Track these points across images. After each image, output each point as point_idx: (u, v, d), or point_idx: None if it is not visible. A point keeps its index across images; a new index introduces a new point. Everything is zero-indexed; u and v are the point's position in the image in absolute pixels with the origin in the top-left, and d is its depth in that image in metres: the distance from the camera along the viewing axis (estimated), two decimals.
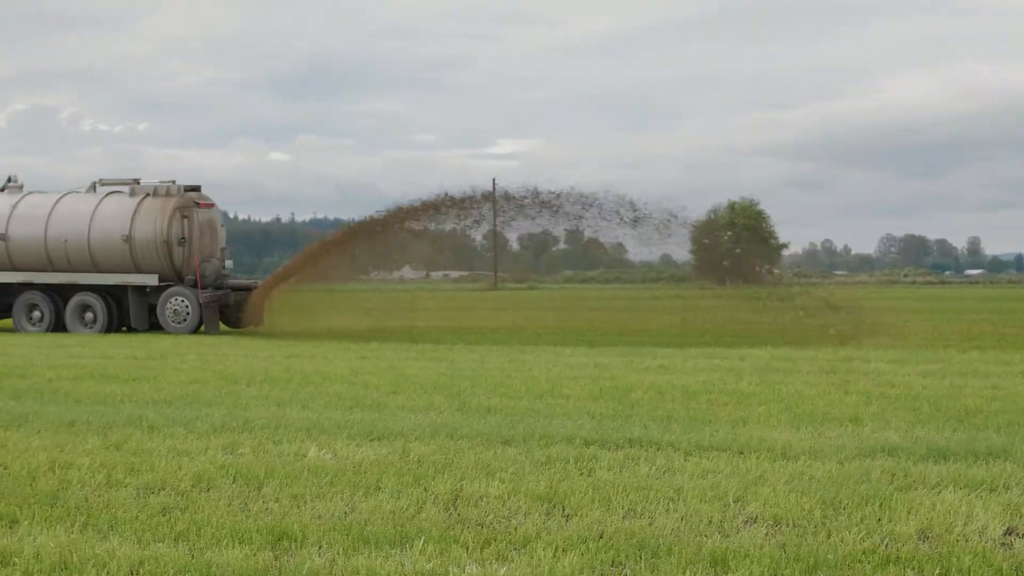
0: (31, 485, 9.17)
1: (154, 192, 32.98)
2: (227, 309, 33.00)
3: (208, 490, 9.04)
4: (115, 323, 32.75)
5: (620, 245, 38.99)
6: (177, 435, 11.69)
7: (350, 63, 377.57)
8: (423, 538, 7.47)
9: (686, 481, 9.28)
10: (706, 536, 7.61)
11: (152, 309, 32.63)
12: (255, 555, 7.14)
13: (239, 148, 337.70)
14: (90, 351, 23.68)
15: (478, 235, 40.09)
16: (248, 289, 33.62)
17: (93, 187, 34.13)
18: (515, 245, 49.13)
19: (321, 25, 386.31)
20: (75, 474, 9.56)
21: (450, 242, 38.93)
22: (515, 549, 7.33)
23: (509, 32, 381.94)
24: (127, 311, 32.77)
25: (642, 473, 9.68)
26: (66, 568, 6.90)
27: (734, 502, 8.53)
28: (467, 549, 7.31)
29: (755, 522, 8.00)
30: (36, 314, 32.99)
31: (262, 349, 24.04)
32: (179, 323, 32.03)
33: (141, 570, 6.86)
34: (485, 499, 8.67)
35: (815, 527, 7.84)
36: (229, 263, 34.28)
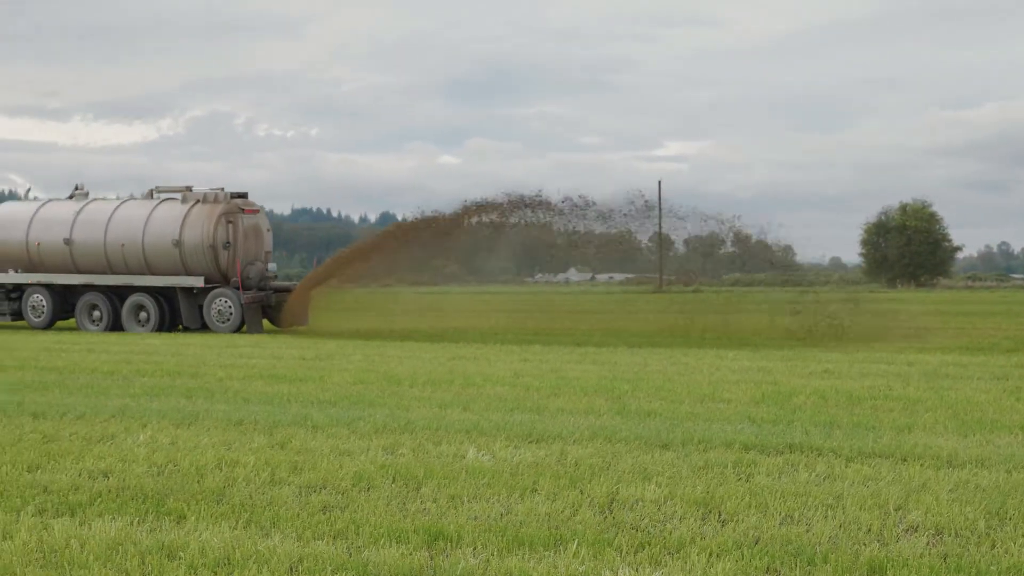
0: (199, 482, 9.43)
1: (203, 199, 34.84)
2: (270, 309, 34.69)
3: (368, 489, 9.19)
4: (167, 322, 34.55)
5: (789, 247, 38.65)
6: (340, 435, 11.90)
7: (519, 67, 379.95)
8: (577, 541, 7.48)
9: (846, 488, 9.12)
10: (864, 544, 7.48)
11: (202, 309, 34.31)
12: (411, 554, 7.24)
13: (411, 152, 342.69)
14: (260, 351, 24.24)
15: (644, 237, 40.19)
16: (289, 291, 35.20)
17: (151, 194, 36.31)
18: (681, 247, 48.72)
19: (490, 30, 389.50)
20: (241, 472, 9.80)
21: (616, 244, 39.11)
22: (669, 553, 7.31)
23: (677, 34, 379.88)
24: (178, 311, 34.57)
25: (801, 479, 9.55)
26: (229, 563, 7.08)
27: (895, 510, 8.36)
28: (621, 553, 7.31)
29: (916, 531, 7.83)
30: (96, 314, 35.04)
31: (426, 351, 24.31)
32: (223, 323, 33.77)
33: (300, 567, 7.01)
34: (641, 503, 8.65)
35: (979, 537, 7.64)
36: (272, 266, 35.89)
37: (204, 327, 34.20)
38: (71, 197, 37.40)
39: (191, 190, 35.46)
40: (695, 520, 8.13)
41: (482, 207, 35.27)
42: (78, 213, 35.75)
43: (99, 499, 8.77)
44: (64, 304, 35.94)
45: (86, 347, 25.65)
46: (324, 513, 8.35)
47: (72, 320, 35.89)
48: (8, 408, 14.00)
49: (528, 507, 8.49)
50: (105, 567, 7.01)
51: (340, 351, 24.24)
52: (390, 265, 35.76)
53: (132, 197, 37.02)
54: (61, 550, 7.30)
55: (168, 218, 34.67)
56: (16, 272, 36.14)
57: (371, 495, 8.97)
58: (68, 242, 35.38)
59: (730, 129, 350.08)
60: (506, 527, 7.88)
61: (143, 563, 7.08)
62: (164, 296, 34.69)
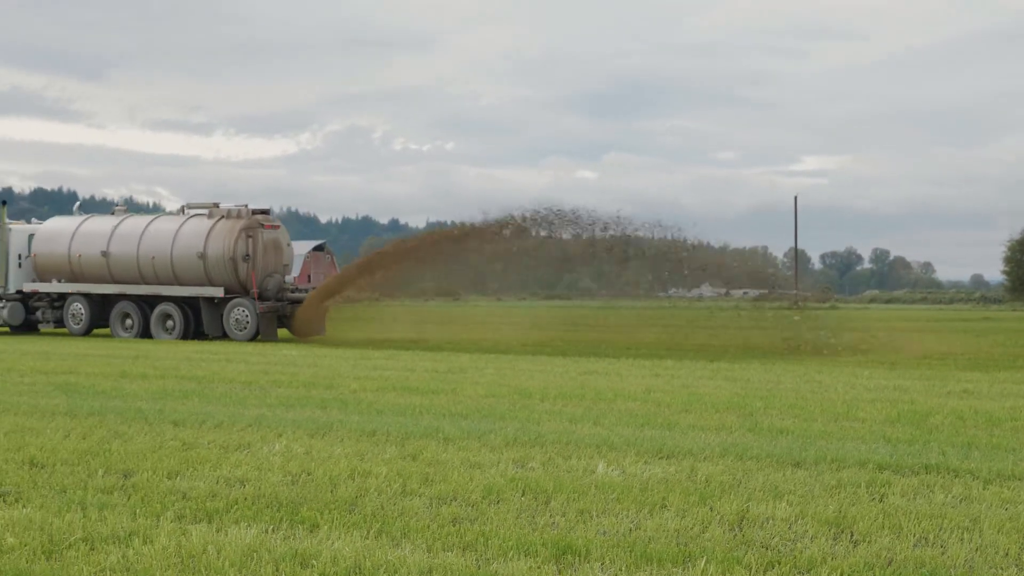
0: (332, 491, 9.58)
1: (227, 215, 37.55)
2: (286, 319, 37.30)
3: (497, 502, 9.24)
4: (191, 330, 37.21)
5: (928, 264, 38.18)
6: (471, 447, 11.99)
7: (655, 81, 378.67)
8: (706, 558, 7.45)
9: (984, 511, 8.94)
10: (1001, 569, 7.32)
11: (223, 318, 36.97)
12: (539, 568, 7.27)
13: (549, 166, 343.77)
14: (393, 363, 24.51)
15: (779, 252, 40.25)
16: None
17: (182, 210, 39.48)
18: (817, 263, 48.16)
19: (627, 44, 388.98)
20: (373, 482, 9.93)
21: (750, 260, 39.26)
22: (799, 573, 7.24)
23: (815, 47, 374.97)
24: (201, 319, 37.11)
25: (937, 501, 9.38)
26: (360, 572, 7.18)
27: None
28: (750, 571, 7.25)
29: None
30: (128, 322, 38.15)
31: (557, 365, 24.36)
32: (240, 331, 36.52)
33: None
34: (771, 521, 8.57)
35: None
36: (290, 278, 38.68)
37: (225, 335, 36.74)
38: (112, 213, 40.68)
39: (218, 206, 38.12)
40: (826, 540, 8.04)
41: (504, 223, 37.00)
42: (115, 228, 38.62)
43: (235, 506, 8.96)
44: (101, 312, 38.88)
45: (225, 358, 26.19)
46: (454, 525, 8.42)
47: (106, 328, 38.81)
48: (150, 416, 14.37)
49: (657, 523, 8.47)
50: (240, 573, 7.16)
51: (472, 364, 24.40)
52: (418, 276, 37.75)
53: (165, 214, 40.44)
54: (198, 555, 7.47)
55: (194, 232, 37.24)
56: (59, 282, 39.31)
57: (500, 508, 9.02)
58: (105, 254, 38.29)
59: (870, 144, 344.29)
60: (635, 542, 7.87)
61: (277, 570, 7.21)
62: (189, 305, 37.29)
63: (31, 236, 40.48)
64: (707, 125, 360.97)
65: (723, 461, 11.22)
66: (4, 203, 42.17)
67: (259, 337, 36.11)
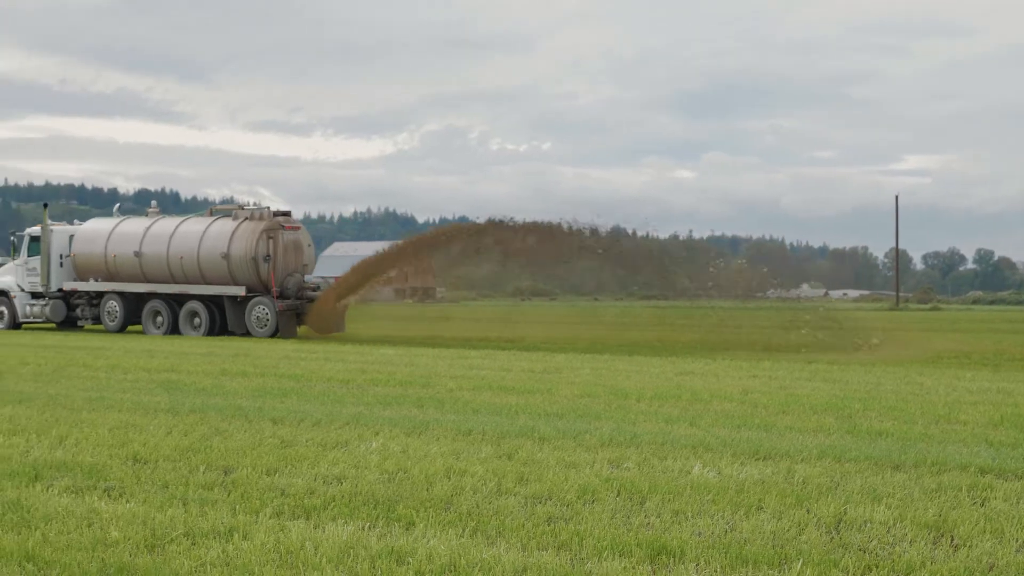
0: (428, 490, 9.65)
1: (250, 216, 39.34)
2: (303, 317, 38.77)
3: (592, 502, 9.25)
4: (216, 327, 38.93)
5: None
6: (566, 447, 12.00)
7: (754, 79, 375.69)
8: (802, 560, 7.39)
9: None
10: None
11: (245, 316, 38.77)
12: (634, 568, 7.27)
13: (646, 166, 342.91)
14: (490, 363, 24.58)
15: (880, 253, 40.51)
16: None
17: (210, 212, 41.55)
18: (919, 264, 47.91)
19: (724, 43, 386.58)
20: (468, 481, 9.99)
21: (851, 260, 39.46)
22: None
23: (918, 45, 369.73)
24: (225, 317, 38.91)
25: None
26: (454, 570, 7.23)
27: None
28: (847, 574, 7.19)
29: None
30: (159, 319, 39.93)
31: (654, 366, 24.28)
32: (261, 328, 38.26)
33: None
34: (869, 524, 8.48)
35: None
36: (309, 277, 39.94)
37: (247, 332, 38.44)
38: (146, 215, 42.84)
39: (242, 208, 40.16)
40: (925, 544, 7.93)
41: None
42: (147, 229, 40.59)
43: (333, 503, 9.06)
44: (135, 310, 40.78)
45: (323, 356, 26.46)
46: (549, 524, 8.44)
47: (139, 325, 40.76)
48: (250, 413, 14.57)
49: (753, 524, 8.42)
50: (337, 570, 7.24)
51: (568, 364, 24.40)
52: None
53: (194, 216, 42.04)
54: (296, 551, 7.57)
55: (219, 234, 39.05)
56: (96, 281, 41.39)
57: (595, 508, 9.02)
58: (138, 255, 40.23)
59: (973, 142, 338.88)
60: (730, 544, 7.83)
61: (373, 567, 7.28)
62: (214, 303, 39.10)
63: (71, 237, 42.64)
64: (807, 124, 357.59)
65: (821, 463, 11.12)
66: (46, 205, 45.42)
67: (279, 334, 37.68)
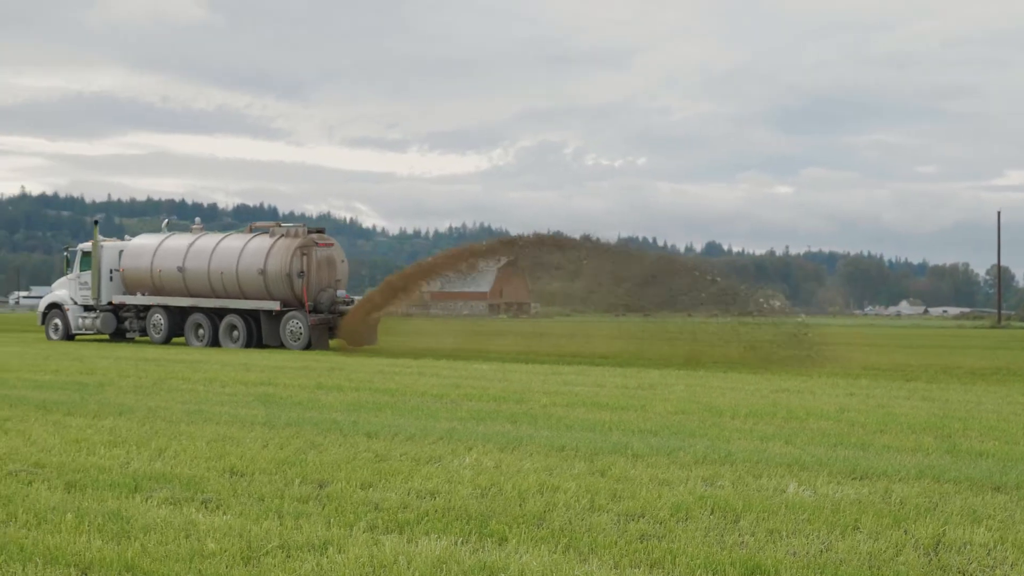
0: (520, 505, 9.65)
1: (286, 233, 40.79)
2: (335, 330, 40.15)
3: (686, 520, 9.19)
4: (254, 340, 40.35)
5: None
6: (659, 464, 11.95)
7: (853, 94, 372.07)
8: None
9: None
10: None
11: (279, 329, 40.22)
12: None
13: (743, 181, 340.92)
14: (583, 379, 24.55)
15: (981, 269, 40.24)
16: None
17: (250, 229, 42.86)
18: (1021, 281, 47.37)
19: (821, 57, 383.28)
20: (561, 497, 9.97)
21: (951, 277, 39.39)
22: None
23: (1021, 57, 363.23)
24: (261, 330, 40.33)
25: None
26: None
27: None
28: None
29: None
30: (200, 332, 41.47)
31: (748, 383, 24.09)
32: (295, 341, 39.61)
33: None
34: (969, 546, 8.33)
35: None
36: (341, 292, 40.82)
37: (282, 345, 39.87)
38: (190, 231, 44.45)
39: (280, 226, 41.57)
40: None
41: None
42: (191, 245, 42.22)
43: (426, 518, 9.10)
44: (179, 322, 42.40)
45: (417, 371, 26.60)
46: (642, 542, 8.40)
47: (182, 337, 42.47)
48: (344, 427, 14.68)
49: (849, 545, 8.32)
50: None
51: (662, 381, 24.29)
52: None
53: (234, 233, 43.44)
54: (390, 565, 7.61)
55: (257, 250, 40.56)
56: (143, 295, 43.12)
57: (688, 525, 8.97)
58: (181, 270, 41.82)
59: None
60: (825, 564, 7.74)
61: None
62: (252, 317, 40.56)
63: (121, 252, 44.44)
64: (907, 138, 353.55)
65: (919, 483, 10.95)
66: (96, 222, 47.01)
67: (311, 347, 39.08)
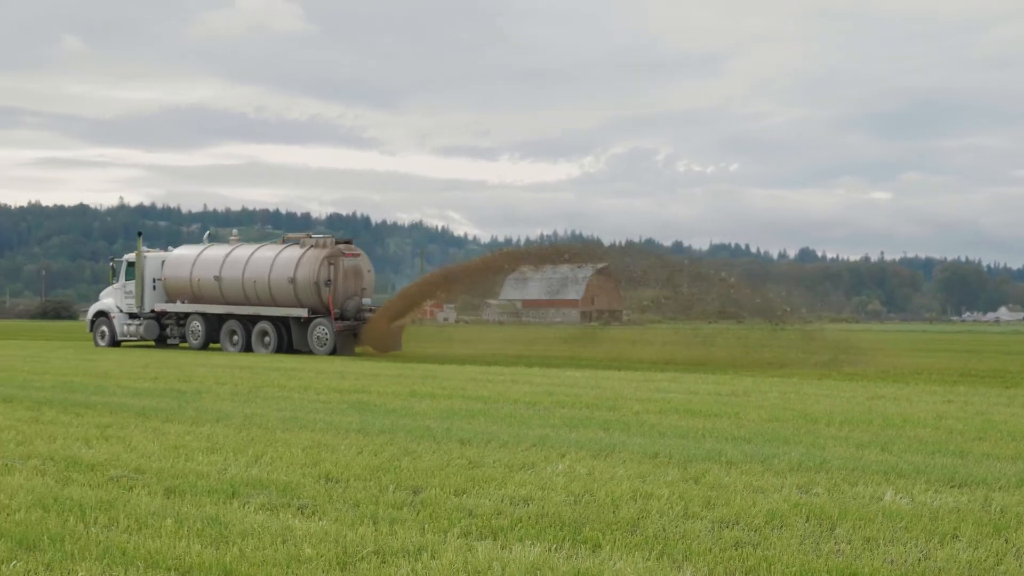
0: (614, 512, 9.64)
1: (315, 244, 43.01)
2: (360, 337, 42.11)
3: (780, 527, 9.12)
4: (284, 346, 42.63)
5: None
6: (754, 471, 11.86)
7: (950, 97, 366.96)
8: None
9: None
10: None
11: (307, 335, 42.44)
12: None
13: (839, 186, 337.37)
14: (676, 386, 24.44)
15: None
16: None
17: (283, 240, 45.33)
18: None
19: (916, 61, 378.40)
20: (655, 504, 9.95)
21: None
22: None
23: None
24: (291, 336, 42.52)
25: None
26: None
27: None
28: None
29: None
30: (235, 338, 43.79)
31: (844, 390, 23.83)
32: (321, 347, 41.73)
33: None
34: None
35: None
36: (367, 300, 42.90)
37: (310, 350, 41.94)
38: (228, 242, 46.86)
39: (309, 237, 43.81)
40: None
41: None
42: (227, 256, 44.45)
43: (520, 524, 9.12)
44: (215, 329, 44.73)
45: (510, 378, 26.65)
46: (736, 549, 8.35)
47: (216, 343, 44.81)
48: (438, 434, 14.76)
49: (948, 554, 8.20)
50: None
51: (756, 388, 24.12)
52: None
53: (268, 243, 45.73)
54: (484, 571, 7.64)
55: (287, 260, 42.71)
56: (183, 303, 45.38)
57: (784, 533, 8.90)
58: (218, 279, 44.08)
59: None
60: (924, 573, 7.64)
61: None
62: (282, 323, 42.82)
63: (163, 262, 46.79)
64: (1006, 142, 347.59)
65: (1020, 491, 10.77)
66: (140, 233, 49.72)
67: (337, 352, 41.23)
